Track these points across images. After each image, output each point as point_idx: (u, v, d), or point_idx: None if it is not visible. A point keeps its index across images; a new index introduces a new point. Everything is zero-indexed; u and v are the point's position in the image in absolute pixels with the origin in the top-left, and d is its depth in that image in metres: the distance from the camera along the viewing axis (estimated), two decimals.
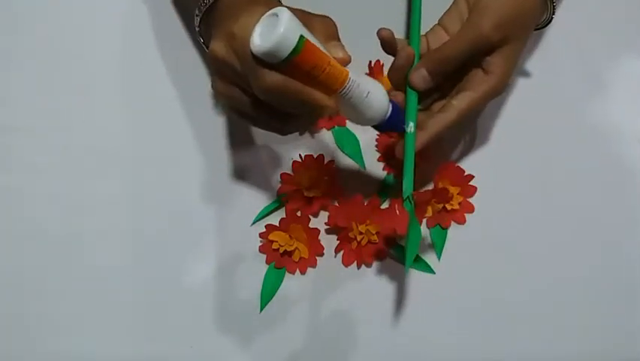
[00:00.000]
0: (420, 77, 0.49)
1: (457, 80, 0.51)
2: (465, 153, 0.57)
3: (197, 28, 0.49)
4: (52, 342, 0.51)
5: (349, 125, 0.58)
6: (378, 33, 0.49)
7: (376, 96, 0.44)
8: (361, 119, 0.45)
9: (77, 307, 0.52)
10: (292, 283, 0.53)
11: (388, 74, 0.51)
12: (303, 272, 0.53)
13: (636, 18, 0.63)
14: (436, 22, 0.53)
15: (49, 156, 0.57)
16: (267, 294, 0.52)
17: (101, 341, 0.51)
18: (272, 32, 0.37)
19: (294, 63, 0.38)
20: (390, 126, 0.46)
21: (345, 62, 0.41)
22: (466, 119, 0.49)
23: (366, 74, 0.57)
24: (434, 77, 0.49)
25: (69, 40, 0.61)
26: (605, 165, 0.57)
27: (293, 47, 0.37)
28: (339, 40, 0.42)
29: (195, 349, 0.51)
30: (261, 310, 0.52)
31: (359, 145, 0.57)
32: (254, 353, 0.51)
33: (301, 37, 0.37)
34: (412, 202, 0.47)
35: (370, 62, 0.57)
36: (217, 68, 0.43)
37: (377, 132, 0.57)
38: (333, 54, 0.40)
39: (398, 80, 0.50)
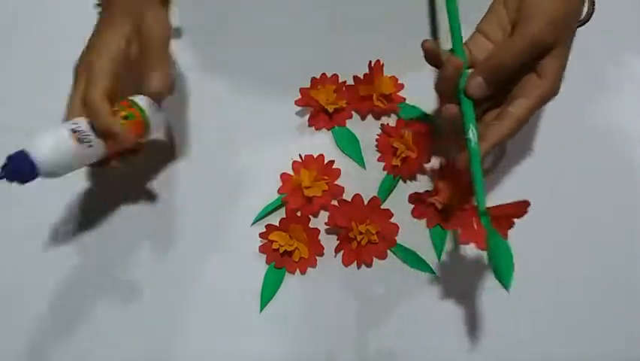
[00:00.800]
0: (476, 85, 0.48)
1: (509, 86, 0.49)
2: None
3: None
4: (53, 342, 0.51)
5: (349, 125, 0.58)
6: (423, 45, 0.48)
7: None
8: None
9: (77, 308, 0.52)
10: (292, 284, 0.53)
11: (436, 86, 0.49)
12: (303, 272, 0.53)
13: (636, 18, 0.63)
14: (475, 30, 0.52)
15: None
16: (267, 294, 0.52)
17: (101, 342, 0.51)
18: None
19: None
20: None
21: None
22: (524, 125, 0.48)
23: (366, 74, 0.57)
24: (490, 84, 0.48)
25: (69, 40, 0.61)
26: (605, 165, 0.57)
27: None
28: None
29: (195, 349, 0.51)
30: (261, 310, 0.52)
31: (359, 145, 0.57)
32: (254, 354, 0.51)
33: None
34: (488, 216, 0.46)
35: (370, 62, 0.57)
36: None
37: (377, 132, 0.57)
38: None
39: (448, 92, 0.49)
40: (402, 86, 0.58)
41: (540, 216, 0.55)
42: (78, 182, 0.56)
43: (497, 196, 0.55)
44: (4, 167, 0.43)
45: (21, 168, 0.43)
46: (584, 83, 0.60)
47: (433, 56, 0.49)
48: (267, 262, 0.53)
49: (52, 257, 0.54)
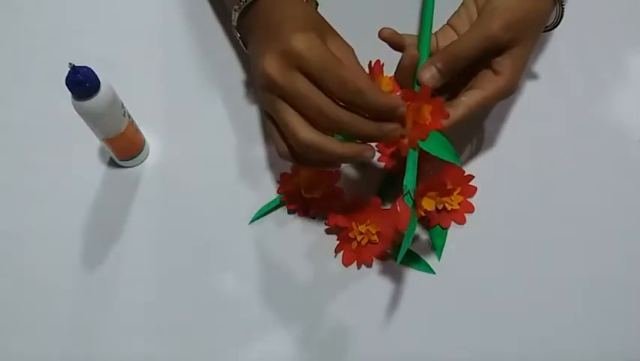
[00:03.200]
0: (429, 74, 0.49)
1: (467, 81, 0.51)
2: (468, 155, 0.57)
3: (234, 23, 0.51)
4: (53, 342, 0.51)
5: None
6: (379, 34, 0.50)
7: None
8: None
9: (78, 308, 0.52)
10: (292, 284, 0.53)
11: (395, 73, 0.51)
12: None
13: (636, 18, 0.63)
14: (445, 23, 0.53)
15: (49, 155, 0.57)
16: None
17: (101, 342, 0.51)
18: None
19: None
20: None
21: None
22: (474, 116, 0.49)
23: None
24: (443, 74, 0.49)
25: (70, 40, 0.61)
26: (605, 165, 0.57)
27: None
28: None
29: (195, 349, 0.51)
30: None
31: None
32: (253, 354, 0.51)
33: None
34: (413, 197, 0.48)
35: (370, 62, 0.57)
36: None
37: None
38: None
39: (405, 80, 0.51)
40: None
41: (539, 216, 0.55)
42: (76, 183, 0.56)
43: (495, 195, 0.55)
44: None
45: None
46: (584, 83, 0.60)
47: (391, 42, 0.51)
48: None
49: (53, 257, 0.54)
